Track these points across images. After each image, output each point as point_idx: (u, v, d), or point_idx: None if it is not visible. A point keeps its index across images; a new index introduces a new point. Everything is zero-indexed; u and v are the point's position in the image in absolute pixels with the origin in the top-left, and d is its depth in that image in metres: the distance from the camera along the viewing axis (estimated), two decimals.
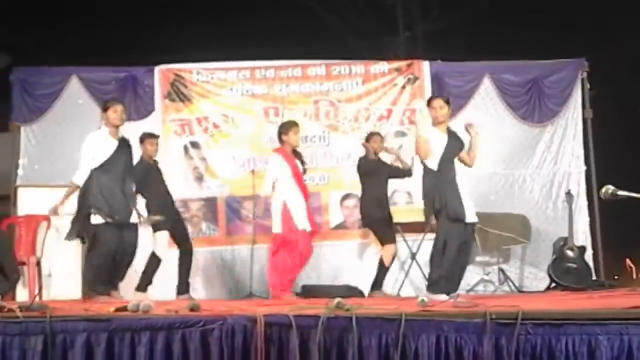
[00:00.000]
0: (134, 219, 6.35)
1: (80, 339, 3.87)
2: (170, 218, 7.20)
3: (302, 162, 7.03)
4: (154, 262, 7.08)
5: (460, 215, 5.68)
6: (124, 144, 6.42)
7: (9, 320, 3.90)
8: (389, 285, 7.61)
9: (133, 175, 6.55)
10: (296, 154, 7.01)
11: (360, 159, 7.55)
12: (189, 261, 7.32)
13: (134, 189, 6.53)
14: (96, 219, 6.16)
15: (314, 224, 6.99)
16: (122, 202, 6.25)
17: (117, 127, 6.37)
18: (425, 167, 5.83)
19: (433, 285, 5.66)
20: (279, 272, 6.74)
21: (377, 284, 7.23)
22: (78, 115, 8.02)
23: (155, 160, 7.35)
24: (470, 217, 5.77)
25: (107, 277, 6.24)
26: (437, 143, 5.79)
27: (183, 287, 7.25)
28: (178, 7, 10.14)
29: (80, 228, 6.25)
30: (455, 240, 5.67)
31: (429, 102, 6.08)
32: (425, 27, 12.91)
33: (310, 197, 7.92)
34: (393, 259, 7.32)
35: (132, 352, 3.88)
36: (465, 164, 6.04)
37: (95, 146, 6.31)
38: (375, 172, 7.38)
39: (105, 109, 6.38)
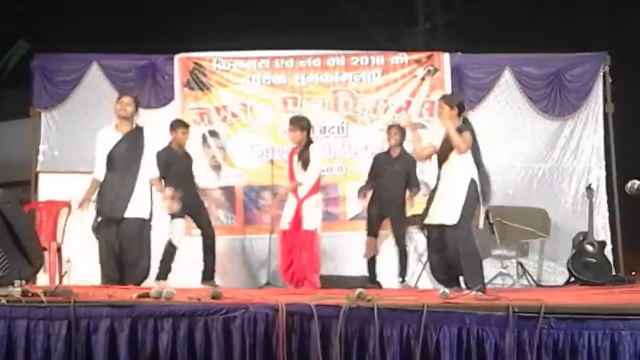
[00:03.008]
0: (134, 212, 6.24)
1: (104, 324, 3.90)
2: (190, 206, 7.21)
3: (302, 158, 6.91)
4: (169, 250, 7.13)
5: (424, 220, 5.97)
6: (130, 135, 6.36)
7: (34, 304, 3.94)
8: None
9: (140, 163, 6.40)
10: (303, 148, 6.95)
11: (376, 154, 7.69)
12: (211, 248, 7.36)
13: (136, 179, 6.33)
14: (99, 216, 6.26)
15: (293, 224, 6.91)
16: (120, 196, 6.21)
17: (123, 118, 6.35)
18: None
19: None
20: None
21: (370, 275, 7.44)
22: (98, 102, 8.04)
23: (184, 149, 7.43)
24: (437, 219, 5.84)
25: (116, 274, 6.21)
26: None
27: (208, 273, 7.31)
28: None
29: (93, 225, 6.33)
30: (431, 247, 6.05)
31: None
32: (445, 19, 12.82)
33: (327, 187, 8.03)
34: (370, 251, 7.47)
35: (154, 339, 3.91)
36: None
37: (101, 142, 6.38)
38: (381, 168, 7.43)
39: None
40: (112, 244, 6.22)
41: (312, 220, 6.91)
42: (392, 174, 7.38)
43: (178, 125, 7.46)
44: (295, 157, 6.99)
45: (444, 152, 5.93)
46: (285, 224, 7.00)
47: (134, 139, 6.37)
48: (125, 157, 6.30)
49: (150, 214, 6.41)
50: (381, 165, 7.49)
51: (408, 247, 7.57)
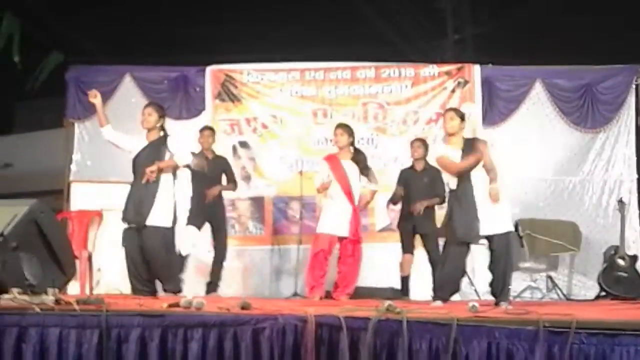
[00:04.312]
0: (156, 221, 6.16)
1: (135, 333, 3.94)
2: (210, 213, 7.32)
3: (359, 164, 6.92)
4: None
5: (466, 239, 5.72)
6: (153, 142, 6.34)
7: (66, 313, 4.00)
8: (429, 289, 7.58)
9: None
10: (354, 155, 6.95)
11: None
12: (221, 261, 7.43)
13: (158, 187, 6.23)
14: (124, 224, 6.27)
15: (354, 231, 6.83)
16: (142, 204, 6.15)
17: (146, 129, 6.36)
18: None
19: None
20: (310, 269, 6.86)
21: (403, 291, 7.34)
22: (131, 113, 8.10)
23: (212, 155, 7.50)
24: (487, 229, 5.69)
25: (142, 280, 6.21)
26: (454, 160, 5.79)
27: (212, 286, 7.36)
28: (230, 7, 10.25)
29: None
30: (454, 261, 5.80)
31: (444, 113, 6.10)
32: (474, 31, 12.79)
33: None
34: (407, 269, 7.37)
35: (184, 348, 3.94)
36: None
37: (134, 149, 6.41)
38: (408, 183, 7.39)
39: None
40: (136, 253, 6.18)
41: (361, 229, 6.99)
42: (420, 189, 7.28)
43: (203, 129, 7.61)
44: (346, 161, 6.88)
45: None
46: (341, 231, 6.81)
47: (155, 147, 6.33)
48: (145, 163, 6.22)
49: (173, 222, 6.33)
50: (407, 181, 7.42)
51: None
